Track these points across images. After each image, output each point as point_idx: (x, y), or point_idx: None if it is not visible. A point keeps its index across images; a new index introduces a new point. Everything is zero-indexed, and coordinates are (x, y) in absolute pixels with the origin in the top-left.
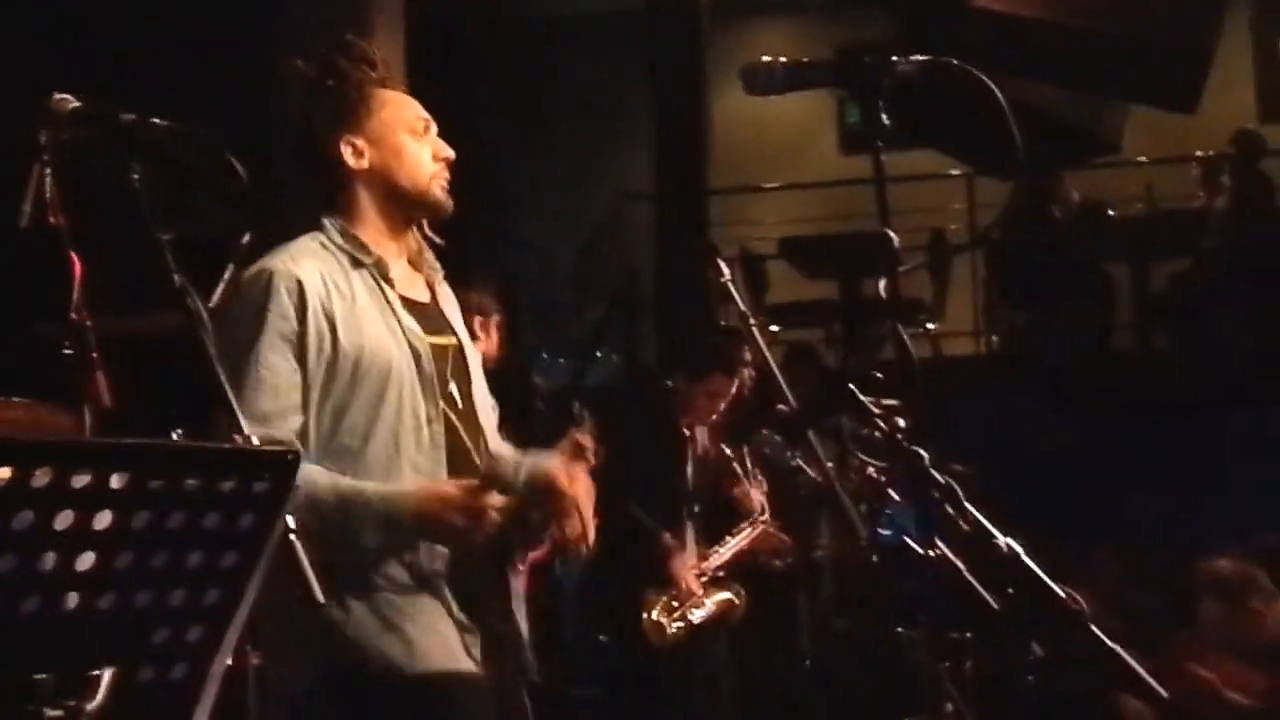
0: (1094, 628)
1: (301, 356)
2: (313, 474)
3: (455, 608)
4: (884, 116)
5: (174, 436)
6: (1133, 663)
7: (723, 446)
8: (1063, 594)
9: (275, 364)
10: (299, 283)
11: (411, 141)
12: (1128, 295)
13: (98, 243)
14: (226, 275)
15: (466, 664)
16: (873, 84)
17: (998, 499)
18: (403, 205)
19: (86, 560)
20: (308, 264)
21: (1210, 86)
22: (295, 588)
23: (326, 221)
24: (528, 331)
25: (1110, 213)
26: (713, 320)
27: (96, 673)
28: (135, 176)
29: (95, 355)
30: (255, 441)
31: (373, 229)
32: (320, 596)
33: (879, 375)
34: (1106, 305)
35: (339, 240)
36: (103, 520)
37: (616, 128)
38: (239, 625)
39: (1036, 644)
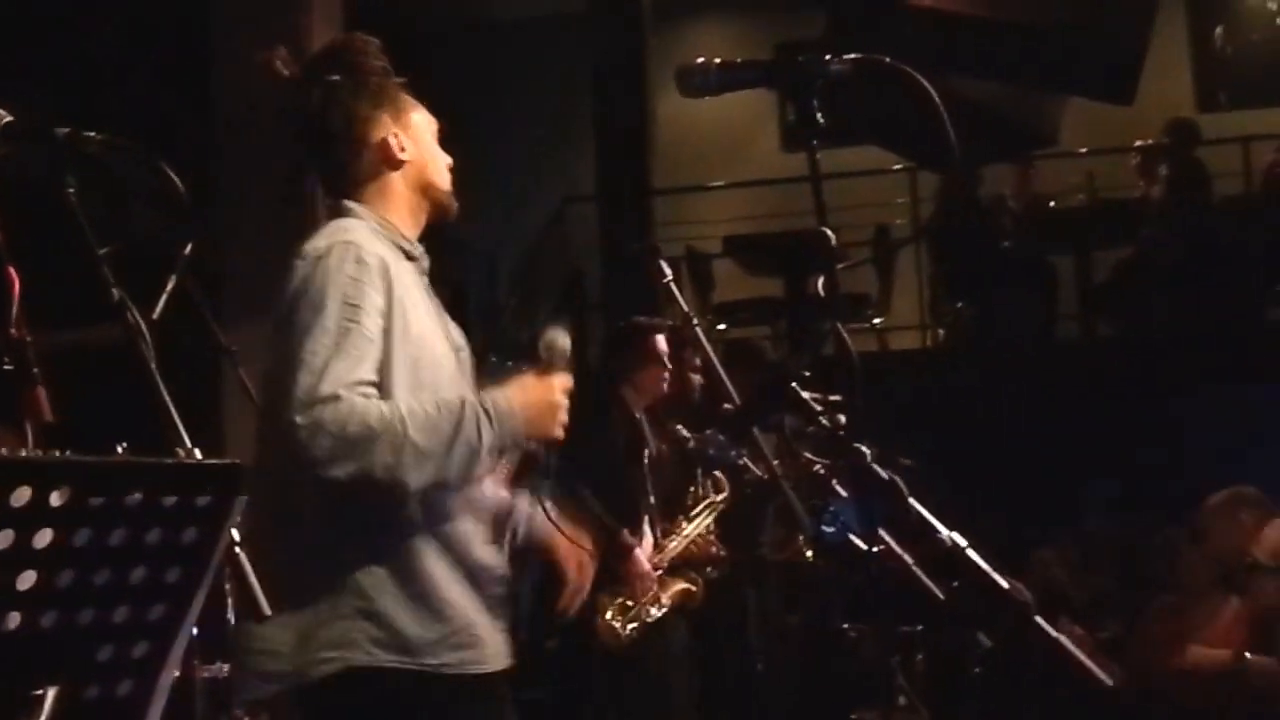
0: (1039, 620)
1: (388, 331)
2: (411, 403)
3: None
4: (819, 115)
5: (119, 451)
6: (1078, 653)
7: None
8: (1008, 586)
9: (376, 333)
10: (382, 260)
11: (434, 145)
12: (1071, 285)
13: (35, 257)
14: (169, 287)
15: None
16: (806, 83)
17: (947, 491)
18: (428, 201)
19: (28, 579)
20: (378, 245)
21: (1147, 76)
22: (240, 601)
23: (355, 207)
24: (475, 336)
25: (1051, 204)
26: (639, 320)
27: (40, 691)
28: (71, 190)
29: (35, 370)
30: (198, 455)
31: (402, 221)
32: (267, 609)
33: (820, 372)
34: (1050, 295)
35: (380, 228)
36: (43, 538)
37: (560, 130)
38: (185, 639)
39: (983, 636)
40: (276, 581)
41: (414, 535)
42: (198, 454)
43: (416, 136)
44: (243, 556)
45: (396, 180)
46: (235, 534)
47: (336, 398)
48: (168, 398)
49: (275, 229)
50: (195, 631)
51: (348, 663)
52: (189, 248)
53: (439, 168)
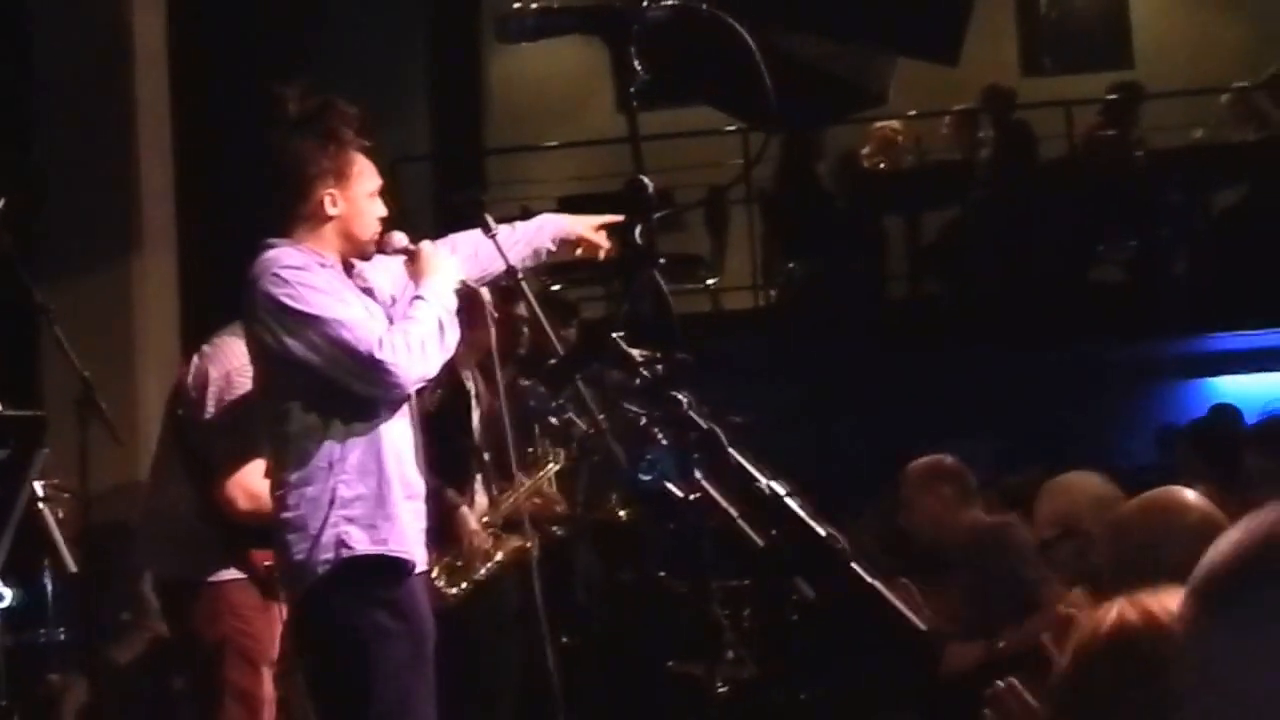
0: (855, 566)
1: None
2: (390, 334)
3: None
4: (636, 64)
5: None
6: (894, 600)
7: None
8: (824, 533)
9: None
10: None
11: (370, 204)
12: (900, 246)
13: None
14: None
15: None
16: (623, 30)
17: (779, 449)
18: (350, 247)
19: None
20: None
21: (973, 40)
22: (46, 556)
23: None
24: None
25: (881, 165)
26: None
27: None
28: None
29: None
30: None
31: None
32: (72, 566)
33: (645, 326)
34: (880, 256)
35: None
36: None
37: (392, 89)
38: None
39: (804, 585)
40: None
41: None
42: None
43: (351, 197)
44: (47, 512)
45: (326, 229)
46: (39, 488)
47: None
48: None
49: (93, 186)
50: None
51: None
52: (2, 203)
53: (363, 225)
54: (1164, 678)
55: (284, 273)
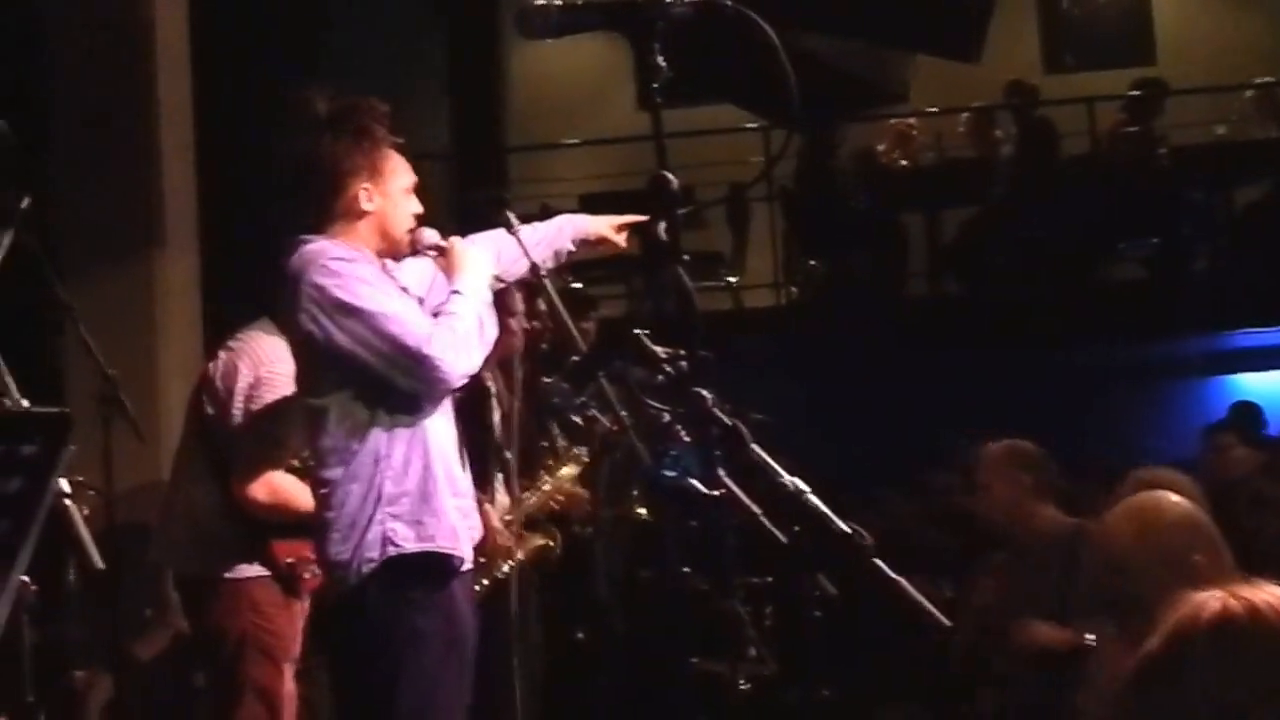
0: (878, 562)
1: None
2: (438, 329)
3: None
4: (660, 59)
5: None
6: (917, 595)
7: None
8: (848, 530)
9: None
10: None
11: (404, 200)
12: (920, 243)
13: None
14: (6, 242)
15: None
16: (647, 26)
17: (801, 447)
18: (385, 244)
19: None
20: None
21: (995, 37)
22: (72, 554)
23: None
24: None
25: (902, 162)
26: None
27: None
28: None
29: None
30: (25, 404)
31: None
32: (99, 563)
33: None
34: (900, 254)
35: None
36: None
37: (411, 87)
38: (12, 590)
39: (826, 581)
40: None
41: None
42: (24, 403)
43: (387, 192)
44: (72, 508)
45: (361, 225)
46: (65, 485)
47: None
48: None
49: (114, 184)
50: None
51: None
52: (25, 202)
53: (398, 220)
54: (1263, 671)
55: (333, 264)
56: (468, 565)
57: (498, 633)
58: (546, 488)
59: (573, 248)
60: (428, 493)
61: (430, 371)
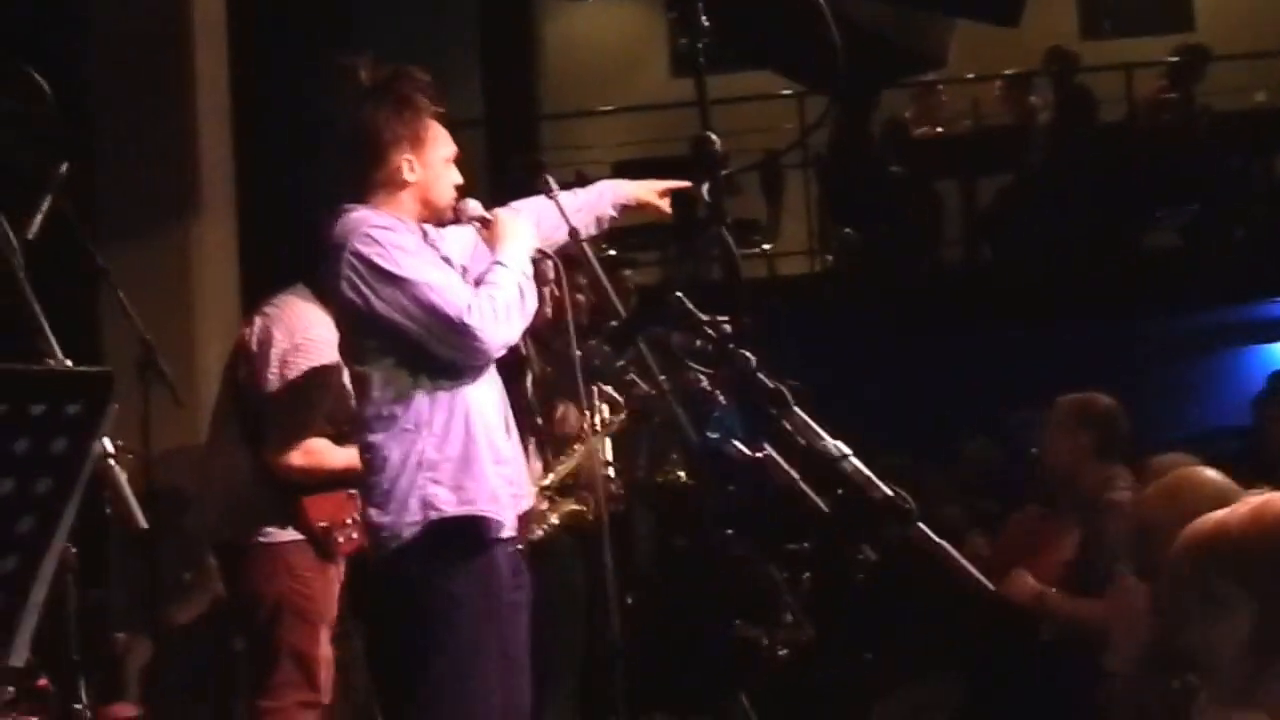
0: (923, 526)
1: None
2: (478, 299)
3: None
4: (704, 19)
5: None
6: (962, 560)
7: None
8: (892, 494)
9: None
10: None
11: (445, 170)
12: (956, 211)
13: None
14: (44, 207)
15: None
16: None
17: (834, 415)
18: (428, 213)
19: None
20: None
21: (1032, 3)
22: (116, 513)
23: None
24: None
25: (938, 129)
26: None
27: None
28: None
29: None
30: (68, 364)
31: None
32: (143, 522)
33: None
34: (935, 222)
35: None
36: None
37: (444, 54)
38: (56, 553)
39: (868, 549)
40: None
41: None
42: (68, 363)
43: (428, 162)
44: (116, 468)
45: (404, 195)
46: (108, 444)
47: None
48: (37, 306)
49: (152, 152)
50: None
51: None
52: (64, 168)
53: (440, 190)
54: None
55: (374, 232)
56: (509, 531)
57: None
58: (579, 453)
59: (614, 213)
60: (469, 458)
61: (468, 340)
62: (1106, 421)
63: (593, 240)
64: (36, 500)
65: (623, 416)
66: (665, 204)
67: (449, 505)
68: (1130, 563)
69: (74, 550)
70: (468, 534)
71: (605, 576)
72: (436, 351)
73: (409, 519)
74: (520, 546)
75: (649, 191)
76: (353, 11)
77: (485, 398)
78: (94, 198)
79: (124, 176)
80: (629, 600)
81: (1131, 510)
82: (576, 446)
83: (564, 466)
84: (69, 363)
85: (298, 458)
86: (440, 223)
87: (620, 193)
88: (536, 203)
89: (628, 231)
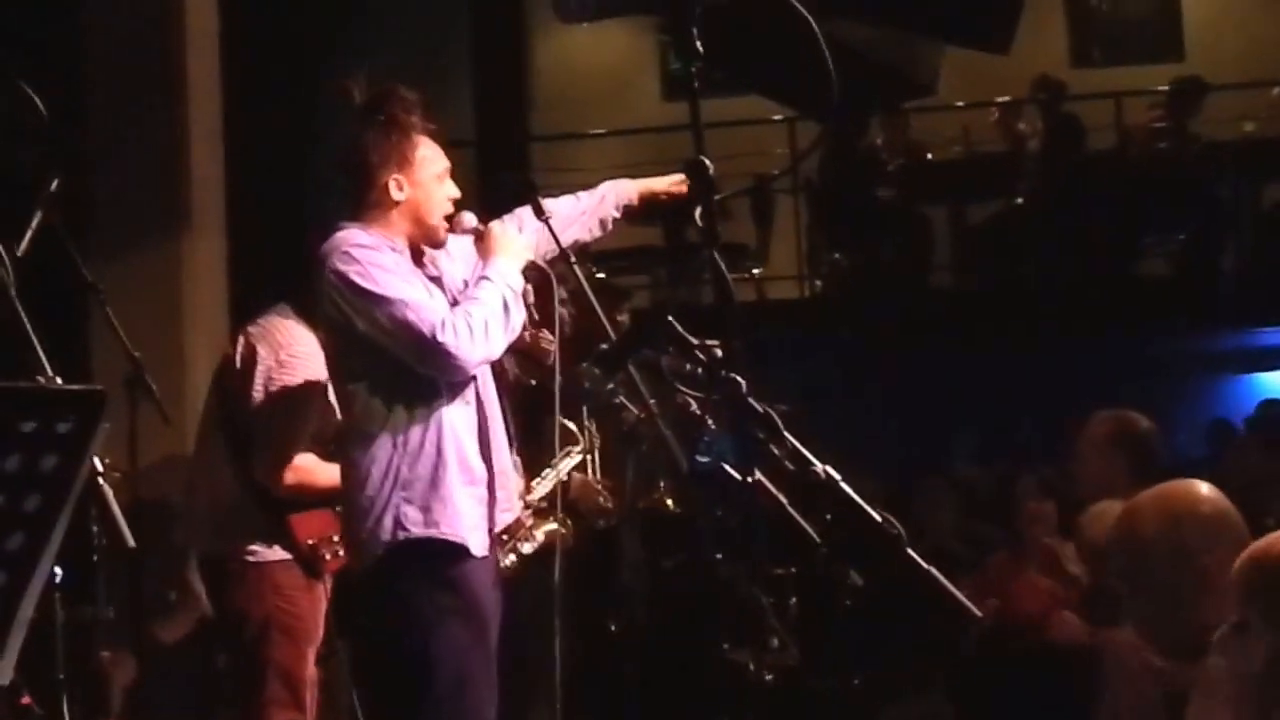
0: (910, 552)
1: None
2: (454, 315)
3: None
4: (698, 44)
5: None
6: (948, 585)
7: (531, 380)
8: (880, 519)
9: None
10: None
11: (437, 187)
12: (945, 237)
13: None
14: (35, 222)
15: None
16: (687, 10)
17: (823, 439)
18: (420, 231)
19: None
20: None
21: (1023, 31)
22: (104, 530)
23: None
24: None
25: (928, 156)
26: None
27: None
28: None
29: None
30: (58, 382)
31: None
32: (130, 540)
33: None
34: (924, 247)
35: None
36: None
37: (436, 74)
38: (45, 572)
39: (855, 573)
40: None
41: None
42: (58, 381)
43: (417, 181)
44: (106, 487)
45: (394, 214)
46: (98, 463)
47: None
48: (28, 323)
49: (143, 166)
50: (60, 572)
51: None
52: (55, 183)
53: (431, 208)
54: None
55: (354, 251)
56: (480, 551)
57: (521, 614)
58: (555, 472)
59: (618, 214)
60: (437, 479)
61: (441, 358)
62: (1142, 443)
63: (581, 262)
64: (26, 518)
65: (583, 445)
66: (677, 186)
67: (416, 526)
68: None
69: (58, 571)
70: (439, 553)
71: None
72: (415, 368)
73: (384, 537)
74: (505, 562)
75: (653, 185)
76: (344, 31)
77: (461, 417)
78: (85, 213)
79: (115, 192)
80: (613, 628)
81: (1118, 531)
82: (559, 462)
83: (546, 483)
84: (59, 380)
85: (288, 476)
86: (435, 240)
87: (622, 193)
88: (530, 216)
89: (617, 254)
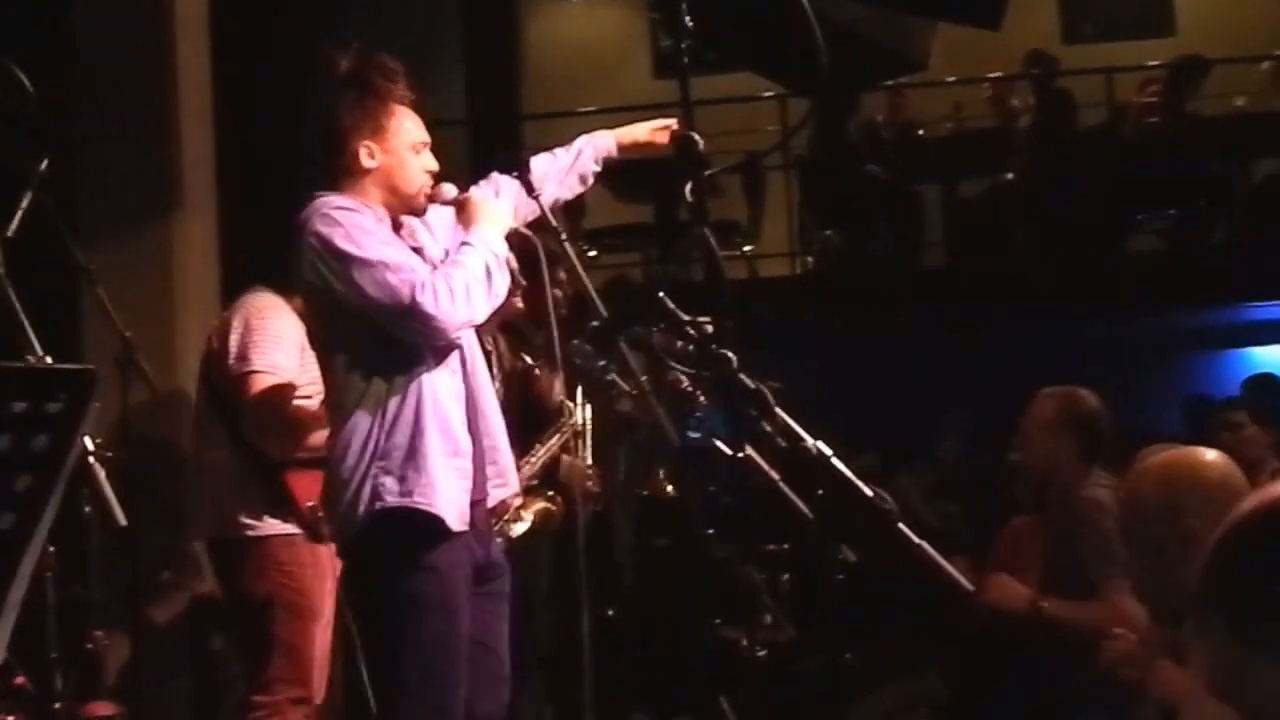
0: (903, 527)
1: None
2: (434, 278)
3: None
4: (688, 21)
5: None
6: (941, 560)
7: (523, 356)
8: (871, 494)
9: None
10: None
11: (412, 157)
12: (936, 214)
13: None
14: (24, 204)
15: None
16: None
17: (814, 416)
18: (396, 200)
19: None
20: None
21: (1014, 7)
22: (95, 510)
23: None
24: None
25: (919, 133)
26: None
27: None
28: None
29: None
30: (49, 361)
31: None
32: (122, 519)
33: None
34: (916, 224)
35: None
36: None
37: (427, 53)
38: (36, 552)
39: (847, 550)
40: None
41: None
42: (49, 360)
43: (390, 149)
44: (97, 466)
45: (367, 183)
46: (89, 443)
47: None
48: (18, 304)
49: (133, 148)
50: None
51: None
52: (45, 165)
53: (406, 177)
54: None
55: (334, 213)
56: (459, 526)
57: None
58: (544, 450)
59: (597, 168)
60: (415, 448)
61: (420, 321)
62: (1091, 422)
63: (576, 247)
64: (17, 498)
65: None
66: (664, 138)
67: (391, 496)
68: (1115, 563)
69: (51, 549)
70: (416, 525)
71: (578, 574)
72: (395, 332)
73: (361, 508)
74: (501, 539)
75: (635, 133)
76: (335, 10)
77: (445, 385)
78: (75, 194)
79: (105, 173)
80: (609, 613)
81: (1125, 489)
82: (549, 440)
83: (539, 457)
84: (49, 360)
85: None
86: (414, 209)
87: (600, 146)
88: (514, 185)
89: (609, 232)
